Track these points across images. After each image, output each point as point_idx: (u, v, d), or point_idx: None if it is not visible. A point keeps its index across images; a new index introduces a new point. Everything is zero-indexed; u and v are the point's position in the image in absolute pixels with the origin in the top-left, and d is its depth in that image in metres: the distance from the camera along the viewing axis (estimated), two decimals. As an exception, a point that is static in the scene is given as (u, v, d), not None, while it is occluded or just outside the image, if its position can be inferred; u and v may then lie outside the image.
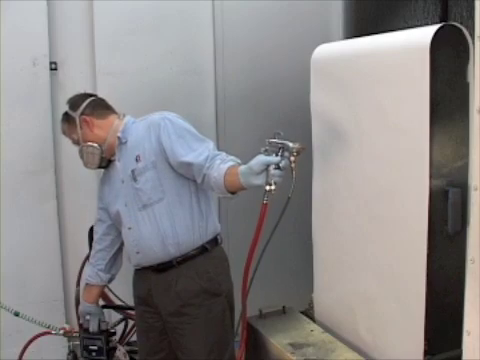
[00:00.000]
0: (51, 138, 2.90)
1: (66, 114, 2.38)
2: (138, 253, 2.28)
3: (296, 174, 1.99)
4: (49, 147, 2.91)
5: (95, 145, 2.30)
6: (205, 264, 2.27)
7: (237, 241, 3.28)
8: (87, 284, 2.50)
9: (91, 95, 2.46)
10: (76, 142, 2.37)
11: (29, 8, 2.79)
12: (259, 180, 1.97)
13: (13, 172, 2.84)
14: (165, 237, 2.22)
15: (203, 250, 2.27)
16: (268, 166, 1.95)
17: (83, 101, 2.36)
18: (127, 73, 2.98)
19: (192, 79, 3.15)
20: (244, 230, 3.32)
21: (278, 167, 1.95)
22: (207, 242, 2.28)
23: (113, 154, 2.34)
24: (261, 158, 1.98)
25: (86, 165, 2.36)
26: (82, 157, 2.35)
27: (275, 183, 1.95)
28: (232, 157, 2.16)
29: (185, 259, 2.25)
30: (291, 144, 1.96)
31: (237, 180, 2.03)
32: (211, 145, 2.22)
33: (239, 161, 2.14)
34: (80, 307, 2.54)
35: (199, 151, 2.17)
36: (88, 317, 2.48)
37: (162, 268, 2.26)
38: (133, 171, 2.24)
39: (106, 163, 2.37)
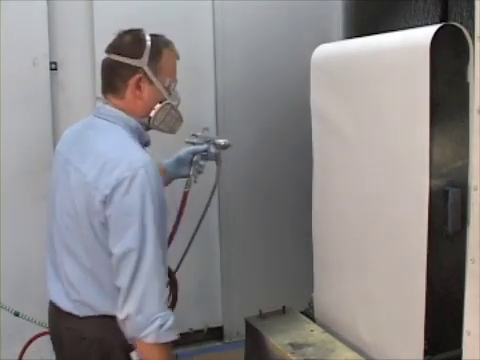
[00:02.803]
0: (51, 138, 2.89)
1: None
2: None
3: (220, 168, 2.13)
4: (49, 147, 2.89)
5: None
6: None
7: (237, 240, 3.30)
8: None
9: None
10: None
11: (29, 8, 2.78)
12: (186, 170, 2.02)
13: (13, 172, 2.84)
14: None
15: None
16: (194, 155, 2.02)
17: (144, 47, 1.82)
18: (127, 73, 2.98)
19: (192, 78, 3.14)
20: (244, 229, 3.34)
21: (204, 157, 2.06)
22: None
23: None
24: (188, 148, 2.04)
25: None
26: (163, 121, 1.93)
27: (199, 172, 2.05)
28: None
29: None
30: (217, 139, 2.09)
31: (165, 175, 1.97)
32: None
33: None
34: None
35: None
36: None
37: None
38: None
39: None
